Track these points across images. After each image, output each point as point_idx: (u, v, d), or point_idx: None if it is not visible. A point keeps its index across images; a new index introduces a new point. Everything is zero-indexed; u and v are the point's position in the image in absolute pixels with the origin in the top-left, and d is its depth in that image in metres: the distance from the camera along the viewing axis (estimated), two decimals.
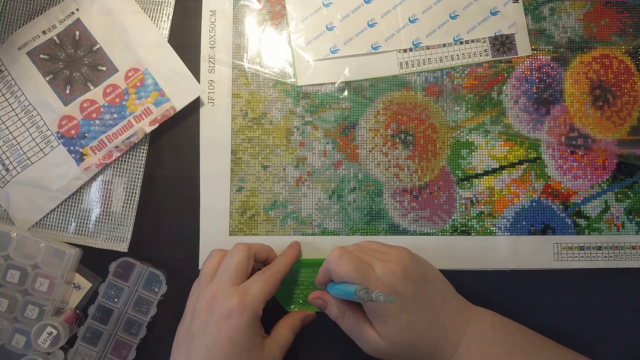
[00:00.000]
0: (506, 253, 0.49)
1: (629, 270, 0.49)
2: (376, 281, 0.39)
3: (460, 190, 0.49)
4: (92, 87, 0.48)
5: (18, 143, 0.48)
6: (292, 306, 0.47)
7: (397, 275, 0.39)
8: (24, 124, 0.48)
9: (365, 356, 0.48)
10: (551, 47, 0.50)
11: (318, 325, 0.47)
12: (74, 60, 0.48)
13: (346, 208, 0.49)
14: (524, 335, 0.43)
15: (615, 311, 0.49)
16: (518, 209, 0.49)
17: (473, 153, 0.50)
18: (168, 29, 0.49)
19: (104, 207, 0.48)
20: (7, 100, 0.48)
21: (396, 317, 0.39)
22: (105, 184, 0.48)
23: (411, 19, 0.50)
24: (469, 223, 0.49)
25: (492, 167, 0.49)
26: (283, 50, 0.50)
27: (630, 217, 0.49)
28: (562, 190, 0.49)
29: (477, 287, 0.47)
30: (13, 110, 0.48)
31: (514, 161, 0.49)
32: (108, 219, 0.48)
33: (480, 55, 0.50)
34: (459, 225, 0.49)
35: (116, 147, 0.47)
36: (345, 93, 0.50)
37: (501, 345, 0.41)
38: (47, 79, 0.48)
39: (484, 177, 0.49)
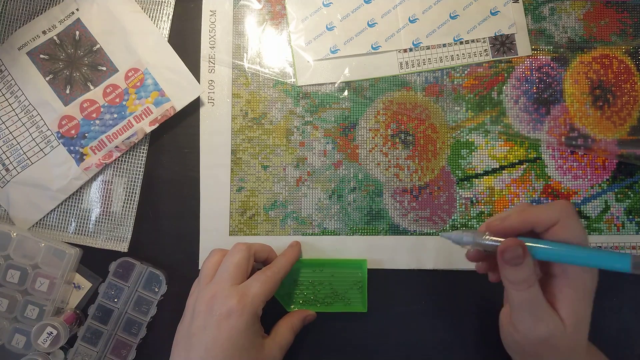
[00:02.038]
0: None
1: None
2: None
3: (460, 190, 0.49)
4: (92, 87, 0.48)
5: (18, 143, 0.48)
6: (292, 306, 0.47)
7: (595, 278, 0.35)
8: (24, 124, 0.48)
9: (365, 357, 0.48)
10: (551, 47, 0.50)
11: (318, 325, 0.47)
12: (74, 60, 0.48)
13: (346, 208, 0.49)
14: None
15: (615, 311, 0.49)
16: None
17: (473, 153, 0.50)
18: (168, 29, 0.49)
19: (104, 207, 0.48)
20: (7, 100, 0.48)
21: (588, 303, 0.34)
22: (105, 184, 0.48)
23: (411, 19, 0.50)
24: (469, 223, 0.49)
25: (492, 167, 0.49)
26: (283, 50, 0.50)
27: (630, 217, 0.49)
28: (562, 190, 0.49)
29: (477, 287, 0.47)
30: (13, 110, 0.48)
31: (514, 161, 0.49)
32: (108, 219, 0.48)
33: (480, 55, 0.50)
34: (459, 225, 0.49)
35: (116, 147, 0.47)
36: (345, 93, 0.50)
37: None
38: (47, 79, 0.48)
39: (484, 177, 0.49)
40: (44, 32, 0.48)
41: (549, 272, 0.35)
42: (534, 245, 0.34)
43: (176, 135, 0.49)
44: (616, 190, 0.49)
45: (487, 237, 0.35)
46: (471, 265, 0.48)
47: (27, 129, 0.48)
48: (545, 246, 0.34)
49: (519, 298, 0.34)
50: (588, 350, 0.36)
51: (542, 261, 0.34)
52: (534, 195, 0.49)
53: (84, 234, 0.48)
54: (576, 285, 0.34)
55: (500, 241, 0.34)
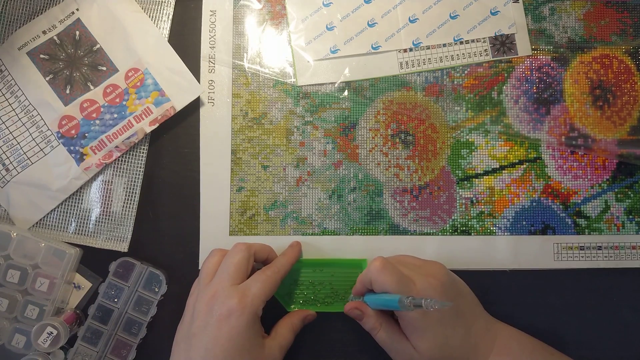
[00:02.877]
0: (506, 253, 0.49)
1: (629, 270, 0.49)
2: (417, 294, 0.39)
3: (460, 190, 0.49)
4: (92, 87, 0.48)
5: (18, 143, 0.48)
6: (292, 306, 0.47)
7: (437, 290, 0.40)
8: (24, 124, 0.48)
9: (364, 356, 0.48)
10: (551, 47, 0.50)
11: (318, 325, 0.47)
12: (74, 60, 0.48)
13: (346, 208, 0.49)
14: (550, 355, 0.43)
15: (615, 311, 0.49)
16: (518, 209, 0.49)
17: (473, 153, 0.50)
18: (168, 29, 0.49)
19: (104, 207, 0.48)
20: (7, 100, 0.48)
21: (434, 331, 0.40)
22: (105, 184, 0.48)
23: (411, 19, 0.50)
24: (469, 223, 0.49)
25: (492, 167, 0.49)
26: (283, 50, 0.50)
27: (630, 217, 0.49)
28: (562, 190, 0.49)
29: (477, 287, 0.46)
30: (13, 110, 0.48)
31: (514, 161, 0.49)
32: (108, 219, 0.48)
33: (481, 55, 0.50)
34: (459, 225, 0.49)
35: (116, 147, 0.47)
36: (346, 93, 0.50)
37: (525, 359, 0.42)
38: (47, 79, 0.48)
39: (484, 177, 0.49)
40: (44, 32, 0.48)
41: (397, 314, 0.41)
42: (367, 299, 0.43)
43: (176, 135, 0.49)
44: (616, 190, 0.49)
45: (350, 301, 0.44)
46: (471, 265, 0.49)
47: (27, 129, 0.48)
48: (368, 299, 0.42)
49: (377, 341, 0.42)
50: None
51: None
52: (534, 195, 0.49)
53: (84, 234, 0.48)
54: (407, 321, 0.40)
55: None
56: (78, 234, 0.48)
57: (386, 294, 0.39)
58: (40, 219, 0.48)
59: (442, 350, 0.40)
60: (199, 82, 0.49)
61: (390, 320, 0.42)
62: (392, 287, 0.39)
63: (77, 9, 0.48)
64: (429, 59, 0.50)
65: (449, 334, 0.40)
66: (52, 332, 0.44)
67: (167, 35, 0.49)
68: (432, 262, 0.43)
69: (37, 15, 0.49)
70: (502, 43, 0.50)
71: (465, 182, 0.49)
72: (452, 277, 0.43)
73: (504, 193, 0.49)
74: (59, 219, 0.48)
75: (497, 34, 0.50)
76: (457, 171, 0.49)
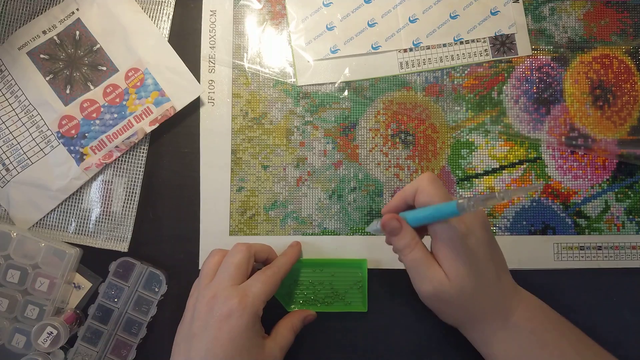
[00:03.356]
0: (506, 253, 0.49)
1: (629, 270, 0.49)
2: (459, 218, 0.37)
3: (460, 190, 0.49)
4: (92, 87, 0.48)
5: (18, 143, 0.48)
6: (293, 306, 0.47)
7: (479, 220, 0.38)
8: (24, 124, 0.48)
9: (365, 357, 0.48)
10: (551, 47, 0.50)
11: (318, 326, 0.47)
12: (74, 60, 0.48)
13: (346, 208, 0.49)
14: (571, 328, 0.41)
15: (615, 311, 0.49)
16: (518, 209, 0.49)
17: (473, 153, 0.50)
18: (168, 29, 0.49)
19: (104, 207, 0.48)
20: (7, 100, 0.48)
21: (470, 259, 0.37)
22: (105, 184, 0.48)
23: (411, 18, 0.50)
24: None
25: (492, 167, 0.49)
26: (283, 50, 0.50)
27: (631, 217, 0.49)
28: (562, 190, 0.49)
29: None
30: (13, 110, 0.48)
31: (514, 161, 0.49)
32: (108, 219, 0.48)
33: (481, 55, 0.50)
34: None
35: (116, 147, 0.47)
36: (346, 93, 0.50)
37: (550, 332, 0.40)
38: (47, 78, 0.48)
39: (484, 177, 0.49)
40: (44, 32, 0.48)
41: (432, 237, 0.39)
42: (406, 214, 0.39)
43: (176, 135, 0.49)
44: (616, 190, 0.49)
45: (376, 223, 0.41)
46: None
47: (27, 129, 0.48)
48: (411, 213, 0.39)
49: (407, 262, 0.39)
50: (498, 293, 0.39)
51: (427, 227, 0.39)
52: (534, 195, 0.49)
53: (84, 234, 0.48)
54: (445, 241, 0.37)
55: None
56: (78, 234, 0.48)
57: (435, 205, 0.37)
58: (40, 219, 0.48)
59: (472, 282, 0.37)
60: (199, 82, 0.49)
61: (423, 244, 0.39)
62: (440, 199, 0.37)
63: (77, 9, 0.48)
64: (429, 59, 0.50)
65: (481, 269, 0.38)
66: (52, 332, 0.44)
67: (167, 35, 0.49)
68: None
69: (37, 15, 0.49)
70: (502, 43, 0.50)
71: (465, 182, 0.49)
72: (489, 225, 0.40)
73: None
74: (59, 219, 0.48)
75: (497, 34, 0.50)
76: (457, 171, 0.49)
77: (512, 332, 0.39)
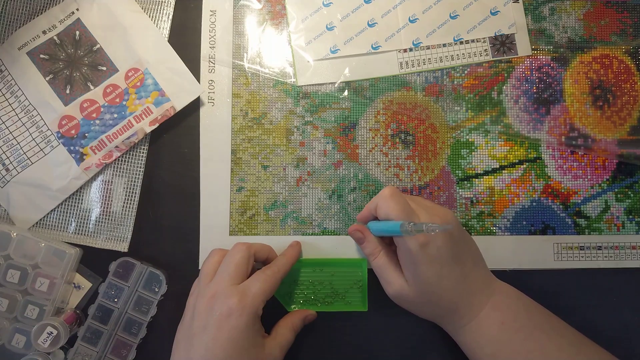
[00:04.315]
0: (506, 253, 0.49)
1: (629, 270, 0.49)
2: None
3: (460, 190, 0.49)
4: (92, 87, 0.48)
5: (18, 143, 0.48)
6: (293, 306, 0.47)
7: (438, 237, 0.40)
8: (24, 124, 0.48)
9: (365, 357, 0.48)
10: (551, 47, 0.50)
11: (318, 325, 0.47)
12: (74, 60, 0.48)
13: (346, 208, 0.49)
14: (547, 316, 0.43)
15: (615, 311, 0.49)
16: (518, 209, 0.49)
17: (473, 153, 0.50)
18: (168, 29, 0.49)
19: (104, 207, 0.48)
20: (7, 100, 0.48)
21: (427, 266, 0.40)
22: (105, 184, 0.48)
23: (411, 18, 0.50)
24: (469, 223, 0.49)
25: (492, 167, 0.49)
26: (283, 50, 0.50)
27: (630, 217, 0.49)
28: (562, 190, 0.49)
29: None
30: (13, 110, 0.48)
31: (514, 161, 0.49)
32: (108, 219, 0.48)
33: (480, 55, 0.50)
34: None
35: (116, 147, 0.47)
36: (345, 93, 0.50)
37: (522, 321, 0.41)
38: (47, 78, 0.48)
39: (484, 177, 0.49)
40: (44, 32, 0.48)
41: (395, 243, 0.42)
42: (370, 225, 0.44)
43: (176, 135, 0.49)
44: (616, 190, 0.50)
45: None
46: None
47: (27, 129, 0.48)
48: (373, 224, 0.43)
49: (373, 267, 0.44)
50: (452, 298, 0.41)
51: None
52: (534, 195, 0.49)
53: (84, 234, 0.48)
54: (404, 252, 0.40)
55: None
56: (78, 234, 0.48)
57: (389, 221, 0.40)
58: (40, 219, 0.48)
59: (432, 287, 0.40)
60: (199, 82, 0.49)
61: (389, 251, 0.43)
62: (396, 215, 0.39)
63: (77, 9, 0.48)
64: (429, 59, 0.50)
65: (443, 274, 0.40)
66: (52, 332, 0.44)
67: (167, 35, 0.49)
68: (443, 207, 0.43)
69: (37, 15, 0.49)
70: (502, 43, 0.50)
71: (465, 182, 0.49)
72: (459, 224, 0.42)
73: (504, 193, 0.49)
74: (59, 219, 0.48)
75: (497, 34, 0.50)
76: (457, 171, 0.49)
77: (481, 324, 0.41)
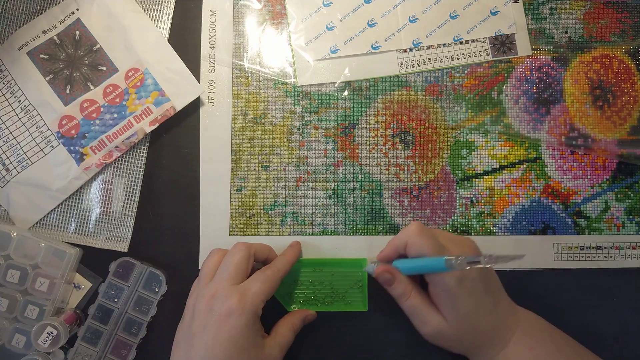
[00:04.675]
0: (506, 253, 0.49)
1: (629, 270, 0.49)
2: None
3: (460, 190, 0.49)
4: (92, 87, 0.48)
5: (18, 143, 0.48)
6: (293, 306, 0.47)
7: (471, 273, 0.40)
8: (24, 124, 0.48)
9: (365, 357, 0.48)
10: (551, 47, 0.50)
11: (318, 325, 0.47)
12: (74, 60, 0.48)
13: (346, 208, 0.49)
14: (568, 341, 0.44)
15: (615, 311, 0.49)
16: (518, 209, 0.49)
17: (473, 153, 0.50)
18: (168, 29, 0.49)
19: (104, 207, 0.48)
20: (7, 100, 0.48)
21: (466, 300, 0.40)
22: (105, 184, 0.48)
23: (411, 18, 0.50)
24: (469, 223, 0.49)
25: (492, 167, 0.49)
26: (283, 50, 0.50)
27: (630, 217, 0.49)
28: (562, 190, 0.49)
29: None
30: (13, 110, 0.48)
31: (514, 161, 0.49)
32: (108, 219, 0.48)
33: (481, 55, 0.50)
34: (459, 225, 0.49)
35: (116, 147, 0.47)
36: (346, 93, 0.50)
37: (548, 347, 0.42)
38: (47, 78, 0.48)
39: (484, 177, 0.49)
40: (44, 32, 0.48)
41: (427, 283, 0.41)
42: (399, 264, 0.42)
43: (176, 135, 0.49)
44: (616, 190, 0.49)
45: (373, 266, 0.43)
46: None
47: (27, 129, 0.48)
48: (404, 263, 0.41)
49: (405, 308, 0.42)
50: (488, 332, 0.42)
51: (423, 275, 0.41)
52: (534, 195, 0.49)
53: (84, 234, 0.48)
54: (441, 288, 0.40)
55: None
56: (78, 234, 0.48)
57: (425, 258, 0.39)
58: (40, 219, 0.48)
59: (470, 320, 0.40)
60: (199, 82, 0.49)
61: (419, 289, 0.42)
62: (430, 251, 0.39)
63: (77, 9, 0.48)
64: (429, 59, 0.50)
65: (479, 305, 0.40)
66: (52, 332, 0.44)
67: (167, 35, 0.49)
68: (464, 237, 0.43)
69: (37, 15, 0.49)
70: (502, 43, 0.50)
71: (465, 182, 0.49)
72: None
73: (504, 193, 0.49)
74: (59, 219, 0.48)
75: (497, 34, 0.50)
76: (457, 171, 0.49)
77: (512, 352, 0.41)
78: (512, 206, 0.49)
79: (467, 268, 0.35)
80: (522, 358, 0.41)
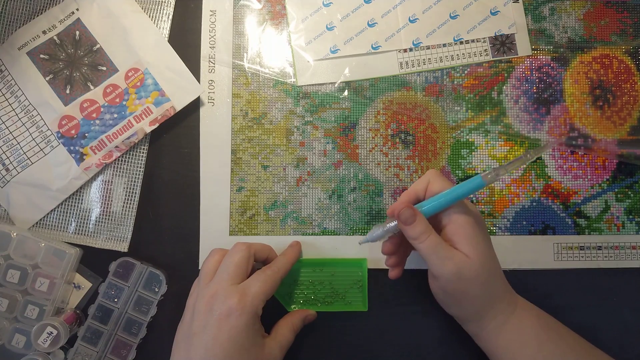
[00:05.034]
0: (506, 253, 0.49)
1: (629, 270, 0.49)
2: (469, 205, 0.41)
3: None
4: (92, 87, 0.48)
5: (18, 143, 0.48)
6: (293, 306, 0.47)
7: (478, 216, 0.41)
8: (24, 124, 0.48)
9: (365, 357, 0.48)
10: (551, 47, 0.50)
11: (318, 325, 0.47)
12: (74, 60, 0.48)
13: (346, 208, 0.49)
14: (567, 332, 0.43)
15: (615, 311, 0.49)
16: (518, 209, 0.49)
17: (473, 153, 0.50)
18: (168, 29, 0.49)
19: (104, 207, 0.48)
20: (7, 100, 0.48)
21: (484, 238, 0.40)
22: (105, 184, 0.48)
23: (411, 18, 0.50)
24: None
25: (492, 167, 0.49)
26: (283, 50, 0.50)
27: (630, 217, 0.49)
28: (562, 190, 0.49)
29: None
30: (13, 110, 0.48)
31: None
32: (108, 219, 0.48)
33: (481, 55, 0.50)
34: None
35: (116, 147, 0.47)
36: (346, 93, 0.50)
37: (549, 318, 0.43)
38: (47, 78, 0.48)
39: None
40: (44, 32, 0.48)
41: (442, 226, 0.41)
42: (420, 206, 0.41)
43: (176, 135, 0.49)
44: (616, 190, 0.49)
45: (389, 222, 0.42)
46: None
47: (27, 129, 0.48)
48: (427, 203, 0.41)
49: (425, 248, 0.39)
50: (501, 280, 0.42)
51: (436, 220, 0.41)
52: (534, 195, 0.49)
53: (84, 234, 0.48)
54: (463, 225, 0.40)
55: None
56: (78, 234, 0.48)
57: (455, 186, 0.40)
58: (40, 219, 0.48)
59: (491, 259, 0.41)
60: (199, 82, 0.49)
61: (435, 231, 0.41)
62: (450, 185, 0.40)
63: (77, 9, 0.48)
64: (429, 59, 0.50)
65: (492, 253, 0.41)
66: (52, 332, 0.44)
67: (167, 35, 0.49)
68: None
69: (37, 15, 0.49)
70: (502, 43, 0.50)
71: None
72: None
73: (504, 193, 0.49)
74: (59, 219, 0.48)
75: (497, 34, 0.50)
76: (457, 171, 0.49)
77: (521, 317, 0.41)
78: (512, 206, 0.49)
79: (498, 179, 0.37)
80: (531, 324, 0.41)
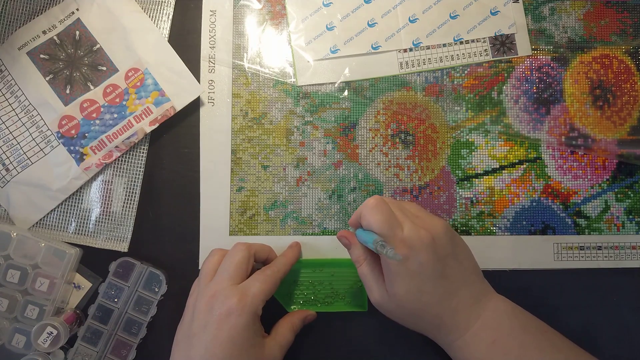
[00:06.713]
0: (506, 253, 0.49)
1: (629, 270, 0.49)
2: (401, 241, 0.38)
3: (460, 190, 0.49)
4: (92, 87, 0.48)
5: (18, 143, 0.48)
6: (293, 306, 0.47)
7: (424, 243, 0.38)
8: (24, 124, 0.48)
9: (365, 357, 0.48)
10: (551, 47, 0.50)
11: (318, 325, 0.47)
12: (74, 60, 0.48)
13: (346, 208, 0.49)
14: (543, 333, 0.41)
15: (615, 311, 0.49)
16: (518, 209, 0.49)
17: (473, 153, 0.50)
18: (168, 29, 0.49)
19: (104, 207, 0.48)
20: (7, 100, 0.48)
21: (407, 280, 0.39)
22: (105, 184, 0.48)
23: (411, 18, 0.50)
24: (469, 223, 0.49)
25: (492, 167, 0.49)
26: (283, 50, 0.50)
27: (630, 217, 0.49)
28: (562, 190, 0.49)
29: None
30: (13, 110, 0.48)
31: (514, 161, 0.49)
32: (108, 219, 0.48)
33: (480, 55, 0.50)
34: (459, 225, 0.49)
35: (116, 147, 0.47)
36: (345, 93, 0.50)
37: (516, 338, 0.40)
38: (47, 78, 0.48)
39: (484, 177, 0.49)
40: (44, 32, 0.48)
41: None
42: (357, 232, 0.42)
43: (176, 135, 0.49)
44: (616, 190, 0.49)
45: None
46: None
47: (27, 129, 0.48)
48: (358, 233, 0.42)
49: (359, 273, 0.42)
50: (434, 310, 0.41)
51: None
52: (534, 195, 0.49)
53: (84, 234, 0.48)
54: (384, 263, 0.40)
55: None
56: (78, 234, 0.48)
57: (369, 232, 0.39)
58: (40, 219, 0.48)
59: (410, 301, 0.39)
60: (199, 82, 0.49)
61: (376, 259, 0.41)
62: (378, 226, 0.38)
63: (77, 9, 0.48)
64: (429, 59, 0.50)
65: (425, 290, 0.39)
66: (52, 332, 0.44)
67: (167, 35, 0.49)
68: (436, 218, 0.41)
69: (37, 15, 0.49)
70: (502, 43, 0.50)
71: (465, 182, 0.49)
72: (451, 237, 0.40)
73: (504, 193, 0.49)
74: (59, 219, 0.48)
75: (497, 34, 0.50)
76: (457, 171, 0.49)
77: (469, 343, 0.40)
78: (512, 206, 0.49)
79: (385, 253, 0.35)
80: (479, 350, 0.39)
